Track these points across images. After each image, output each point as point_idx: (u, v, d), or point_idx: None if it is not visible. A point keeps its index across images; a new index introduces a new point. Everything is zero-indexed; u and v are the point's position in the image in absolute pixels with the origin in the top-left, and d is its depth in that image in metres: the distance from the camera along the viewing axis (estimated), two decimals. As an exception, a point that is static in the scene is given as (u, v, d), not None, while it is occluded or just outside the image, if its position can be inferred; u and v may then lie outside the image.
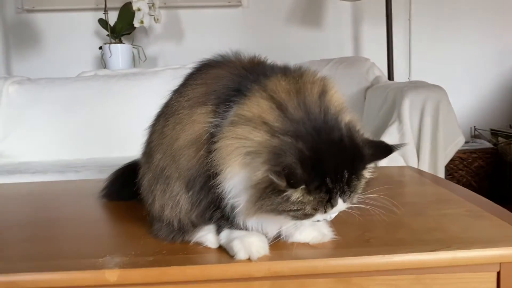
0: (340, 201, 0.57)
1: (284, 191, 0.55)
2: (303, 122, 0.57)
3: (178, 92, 0.70)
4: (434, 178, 1.08)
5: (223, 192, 0.59)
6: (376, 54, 2.53)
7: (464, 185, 2.54)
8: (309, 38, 2.74)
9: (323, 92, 0.61)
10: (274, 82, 0.61)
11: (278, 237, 0.64)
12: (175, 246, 0.66)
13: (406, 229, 0.70)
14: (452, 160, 2.56)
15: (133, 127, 2.07)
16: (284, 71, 0.64)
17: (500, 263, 0.61)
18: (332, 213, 0.59)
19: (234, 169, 0.58)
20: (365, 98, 2.01)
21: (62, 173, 1.57)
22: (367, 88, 2.04)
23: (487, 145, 2.59)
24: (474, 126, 2.83)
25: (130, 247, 0.67)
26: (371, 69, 2.14)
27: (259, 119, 0.58)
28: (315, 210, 0.57)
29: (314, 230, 0.66)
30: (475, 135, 2.82)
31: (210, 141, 0.61)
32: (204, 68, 0.70)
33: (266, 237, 0.63)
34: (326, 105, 0.59)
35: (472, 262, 0.61)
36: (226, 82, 0.65)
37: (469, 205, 0.81)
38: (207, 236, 0.66)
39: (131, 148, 2.02)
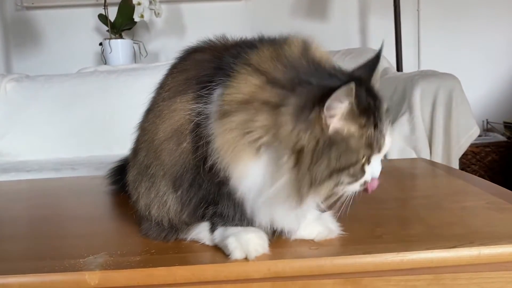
0: (387, 134, 0.52)
1: (342, 138, 0.49)
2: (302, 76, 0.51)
3: (159, 84, 0.64)
4: (448, 169, 1.01)
5: (241, 196, 0.53)
6: (384, 45, 2.45)
7: (477, 180, 2.46)
8: (314, 30, 2.67)
9: (304, 49, 0.56)
10: (256, 54, 0.54)
11: (278, 233, 0.58)
12: (166, 244, 0.60)
13: (422, 223, 0.63)
14: (464, 154, 2.47)
15: (133, 123, 2.01)
16: (269, 41, 0.58)
17: None
18: (383, 151, 0.53)
19: (246, 164, 0.51)
20: (373, 89, 1.94)
21: (58, 171, 1.51)
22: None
23: (501, 138, 2.50)
24: (487, 119, 2.74)
25: (116, 246, 0.61)
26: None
27: (256, 100, 0.51)
28: (370, 148, 0.50)
29: (320, 225, 0.59)
30: (487, 128, 2.73)
31: (195, 132, 0.55)
32: (186, 55, 0.64)
33: (266, 232, 0.57)
34: (312, 58, 0.55)
35: (498, 259, 0.54)
36: (207, 64, 0.58)
37: (490, 197, 0.74)
38: (204, 233, 0.59)
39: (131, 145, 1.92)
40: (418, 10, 2.72)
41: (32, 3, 2.70)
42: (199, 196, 0.56)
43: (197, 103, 0.55)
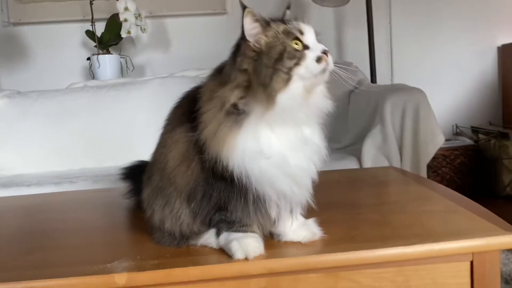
0: (301, 23, 0.68)
1: (266, 45, 0.65)
2: None
3: (165, 120, 0.76)
4: (416, 178, 1.15)
5: (235, 165, 0.64)
6: (359, 57, 2.61)
7: (448, 181, 2.63)
8: (293, 43, 2.81)
9: None
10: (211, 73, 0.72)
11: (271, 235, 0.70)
12: (178, 250, 0.72)
13: (388, 226, 0.77)
14: (435, 157, 2.64)
15: (124, 136, 2.12)
16: None
17: (472, 253, 0.68)
18: (307, 32, 0.67)
19: (232, 143, 0.64)
20: (349, 100, 2.08)
21: (58, 185, 1.60)
22: (351, 91, 2.11)
23: (469, 142, 2.68)
24: (456, 124, 2.92)
25: (135, 252, 0.72)
26: (355, 73, 2.21)
27: (215, 90, 0.66)
28: (289, 35, 0.65)
29: (305, 230, 0.72)
30: (457, 132, 2.91)
31: (199, 150, 0.66)
32: (184, 94, 0.76)
33: (262, 237, 0.69)
34: None
35: (447, 253, 0.67)
36: (198, 97, 0.69)
37: (447, 202, 0.87)
38: (211, 239, 0.71)
39: (123, 157, 2.07)
40: (390, 24, 2.88)
41: (19, 20, 2.76)
42: (211, 205, 0.68)
43: (193, 131, 0.67)
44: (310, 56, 0.65)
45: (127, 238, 0.83)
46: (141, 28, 2.52)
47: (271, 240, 0.71)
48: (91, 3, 2.57)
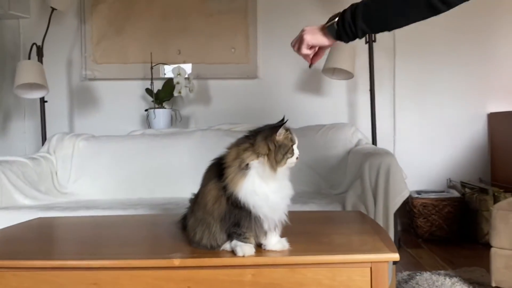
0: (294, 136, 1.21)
1: (282, 143, 1.19)
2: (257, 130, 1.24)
3: (202, 178, 1.31)
4: (367, 219, 1.67)
5: (242, 198, 1.18)
6: (366, 118, 3.17)
7: (437, 227, 3.09)
8: (311, 103, 3.40)
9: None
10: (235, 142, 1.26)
11: (260, 246, 1.26)
12: (207, 251, 1.28)
13: (330, 244, 1.31)
14: (426, 206, 3.14)
15: (171, 174, 2.75)
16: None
17: (371, 262, 1.20)
18: (296, 143, 1.21)
19: (242, 183, 1.17)
20: (348, 156, 2.62)
21: (124, 209, 2.21)
22: (351, 149, 2.65)
23: (456, 194, 3.14)
24: (450, 178, 3.39)
25: (183, 251, 1.28)
26: (355, 133, 2.75)
27: (239, 153, 1.20)
28: (291, 141, 1.20)
29: (280, 243, 1.26)
30: (450, 185, 3.37)
31: (224, 191, 1.22)
32: (211, 163, 1.29)
33: (254, 246, 1.24)
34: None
35: (357, 261, 1.19)
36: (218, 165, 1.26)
37: (372, 234, 1.40)
38: (227, 245, 1.26)
39: (170, 190, 2.79)
40: (393, 89, 3.44)
41: (94, 76, 3.49)
42: (230, 222, 1.21)
43: (219, 182, 1.24)
44: (295, 155, 1.22)
45: (177, 243, 1.40)
46: (189, 89, 3.18)
47: (259, 248, 1.26)
48: (151, 68, 3.27)
